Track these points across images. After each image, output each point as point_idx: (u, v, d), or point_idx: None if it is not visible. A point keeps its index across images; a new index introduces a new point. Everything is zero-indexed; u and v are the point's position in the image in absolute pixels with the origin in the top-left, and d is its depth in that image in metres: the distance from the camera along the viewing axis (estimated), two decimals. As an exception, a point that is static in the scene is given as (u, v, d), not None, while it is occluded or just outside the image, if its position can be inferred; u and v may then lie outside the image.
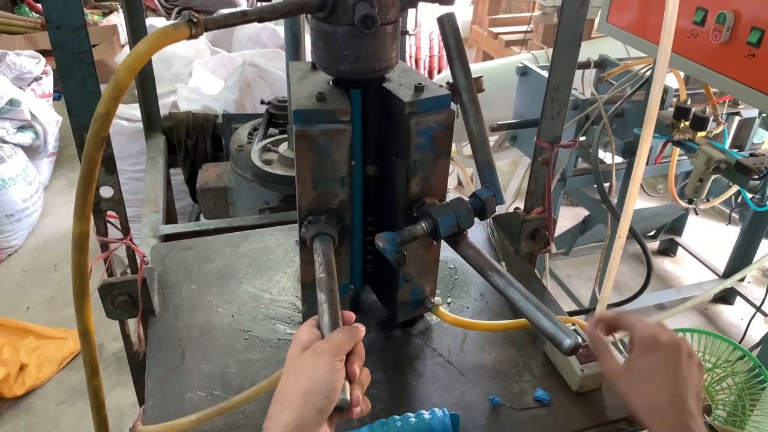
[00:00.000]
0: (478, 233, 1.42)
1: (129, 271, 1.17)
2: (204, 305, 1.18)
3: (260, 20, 0.79)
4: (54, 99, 4.13)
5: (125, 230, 1.09)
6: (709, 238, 3.31)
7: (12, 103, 3.09)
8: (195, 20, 0.72)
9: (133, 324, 1.19)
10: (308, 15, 0.90)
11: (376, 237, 0.89)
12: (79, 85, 0.94)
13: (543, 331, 0.71)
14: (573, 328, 1.07)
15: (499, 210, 1.46)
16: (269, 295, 1.22)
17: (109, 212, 1.08)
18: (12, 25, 5.05)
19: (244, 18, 0.78)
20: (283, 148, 1.75)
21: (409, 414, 0.92)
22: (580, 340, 0.71)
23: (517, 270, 1.31)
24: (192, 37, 0.72)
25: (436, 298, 1.12)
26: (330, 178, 0.91)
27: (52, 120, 3.38)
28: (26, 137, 3.20)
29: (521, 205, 1.37)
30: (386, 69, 0.93)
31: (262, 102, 1.93)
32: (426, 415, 0.92)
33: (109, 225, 1.10)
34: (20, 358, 2.37)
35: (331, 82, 0.96)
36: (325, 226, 0.91)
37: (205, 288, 1.22)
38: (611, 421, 0.99)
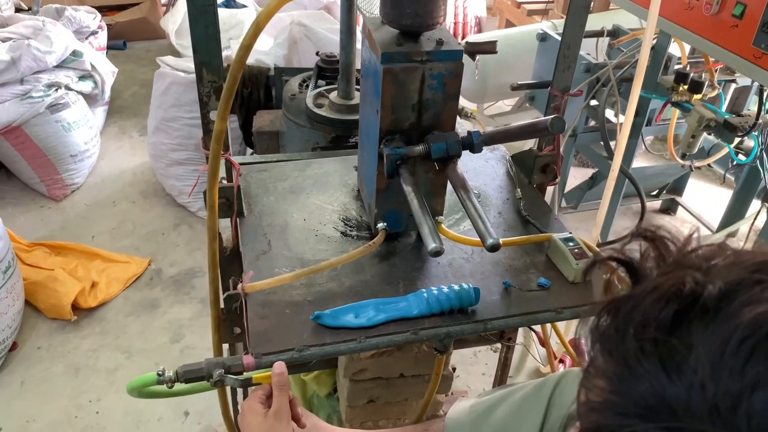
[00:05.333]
0: (498, 168, 1.72)
1: (225, 181, 1.48)
2: (281, 212, 1.49)
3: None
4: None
5: (225, 147, 1.40)
6: (708, 198, 3.59)
7: (75, 54, 3.40)
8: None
9: (224, 223, 1.51)
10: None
11: (383, 150, 1.18)
12: (203, 30, 1.24)
13: (479, 231, 1.00)
14: (570, 235, 1.38)
15: (516, 149, 1.76)
16: (331, 206, 1.53)
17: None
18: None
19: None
20: (333, 95, 2.04)
21: (442, 286, 1.24)
22: (500, 242, 0.96)
23: (529, 197, 1.61)
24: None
25: (440, 217, 1.40)
26: (404, 105, 1.20)
27: (109, 71, 3.69)
28: (87, 86, 3.52)
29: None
30: (436, 24, 1.22)
31: (317, 53, 2.22)
32: (455, 286, 1.23)
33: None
34: (92, 277, 2.74)
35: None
36: (398, 143, 1.21)
37: (281, 200, 1.54)
38: (598, 302, 1.30)
